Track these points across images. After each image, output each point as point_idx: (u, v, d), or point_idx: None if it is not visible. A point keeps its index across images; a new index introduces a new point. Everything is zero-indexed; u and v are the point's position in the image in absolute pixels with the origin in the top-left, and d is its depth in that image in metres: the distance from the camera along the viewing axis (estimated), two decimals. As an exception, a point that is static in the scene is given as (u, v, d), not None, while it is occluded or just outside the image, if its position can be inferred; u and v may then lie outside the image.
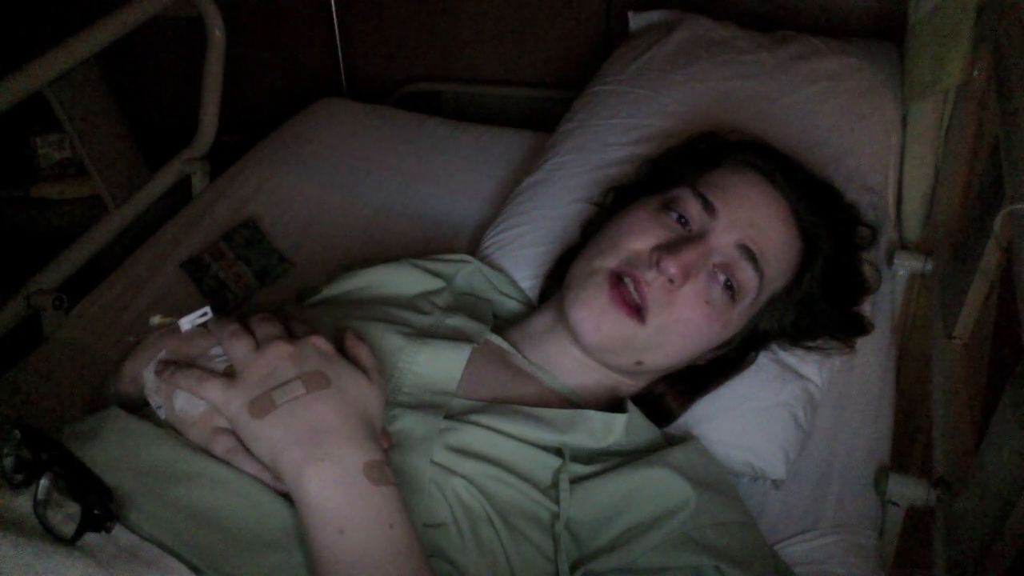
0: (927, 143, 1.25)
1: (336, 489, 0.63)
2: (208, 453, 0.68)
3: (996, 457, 0.77)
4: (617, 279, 0.84)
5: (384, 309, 0.92)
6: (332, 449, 0.64)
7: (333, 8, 1.96)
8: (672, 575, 0.74)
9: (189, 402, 0.69)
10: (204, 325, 0.73)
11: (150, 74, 2.09)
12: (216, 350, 0.72)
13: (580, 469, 0.80)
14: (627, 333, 0.84)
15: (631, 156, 1.18)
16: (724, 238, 0.86)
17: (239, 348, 0.69)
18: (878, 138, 1.24)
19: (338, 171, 1.47)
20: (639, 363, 0.87)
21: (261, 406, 0.65)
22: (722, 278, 0.85)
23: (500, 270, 1.12)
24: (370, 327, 0.85)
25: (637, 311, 0.83)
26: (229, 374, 0.69)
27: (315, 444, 0.64)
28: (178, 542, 0.63)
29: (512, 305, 1.08)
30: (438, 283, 1.00)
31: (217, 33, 1.51)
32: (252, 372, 0.68)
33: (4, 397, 1.09)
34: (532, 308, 1.08)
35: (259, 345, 0.70)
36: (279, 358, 0.68)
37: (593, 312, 0.84)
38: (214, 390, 0.67)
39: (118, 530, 0.62)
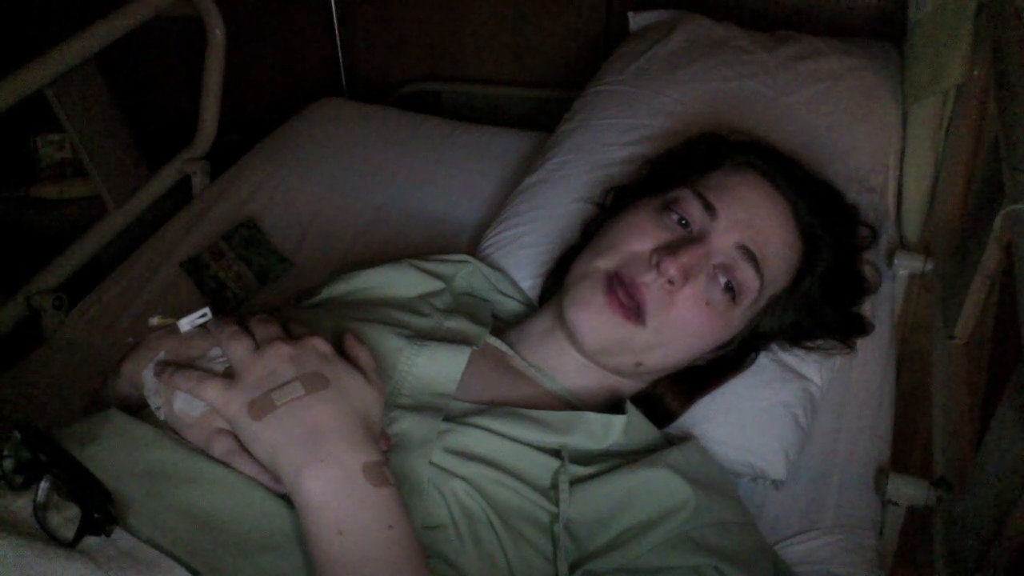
0: (927, 143, 1.24)
1: (335, 490, 0.63)
2: (207, 454, 0.68)
3: (996, 457, 0.77)
4: (616, 280, 0.84)
5: (383, 311, 0.92)
6: (331, 450, 0.64)
7: (333, 8, 1.96)
8: (671, 575, 0.74)
9: (188, 403, 0.69)
10: (203, 326, 0.73)
11: (150, 74, 2.09)
12: (215, 351, 0.72)
13: (579, 470, 0.79)
14: (625, 335, 0.84)
15: (631, 156, 1.18)
16: (724, 239, 0.86)
17: (238, 349, 0.69)
18: (878, 138, 1.24)
19: (338, 171, 1.46)
20: (638, 364, 0.87)
21: (260, 407, 0.65)
22: (722, 279, 0.85)
23: (500, 270, 1.12)
24: (369, 329, 0.85)
25: (635, 313, 0.83)
26: (228, 375, 0.69)
27: (314, 445, 0.64)
28: (177, 545, 0.63)
29: (512, 305, 1.08)
30: (437, 284, 1.00)
31: (217, 33, 1.52)
32: (251, 373, 0.68)
33: (4, 397, 1.09)
34: (532, 308, 1.08)
35: (258, 346, 0.70)
36: (278, 359, 0.68)
37: (591, 314, 0.84)
38: (213, 391, 0.67)
39: (117, 532, 0.61)
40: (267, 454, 0.65)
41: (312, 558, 0.64)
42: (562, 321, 0.87)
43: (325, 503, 0.63)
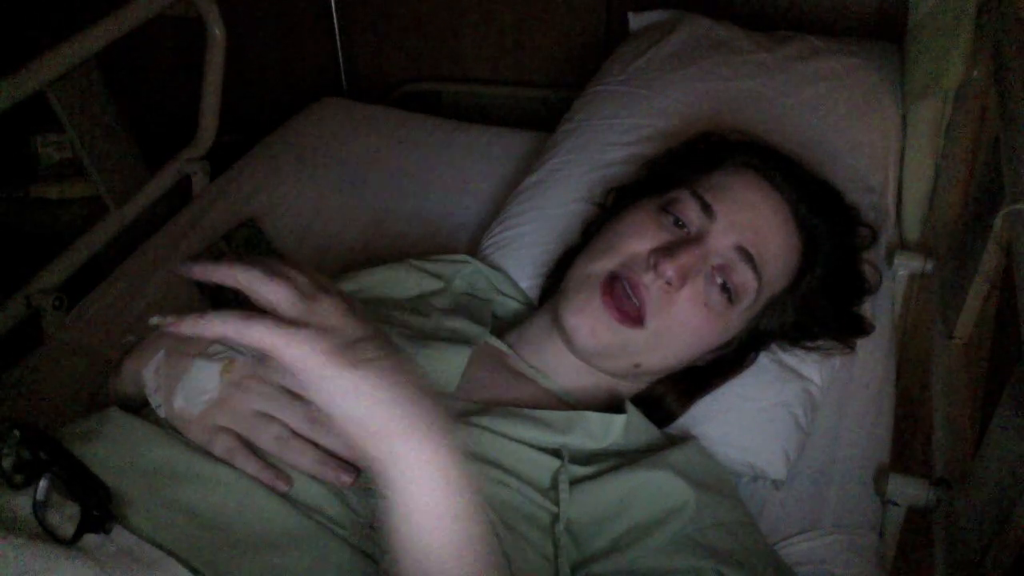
0: (927, 143, 1.24)
1: (433, 467, 0.57)
2: (208, 453, 0.68)
3: (996, 457, 0.77)
4: (613, 282, 0.84)
5: (383, 311, 0.92)
6: (431, 423, 0.56)
7: (333, 8, 1.96)
8: (672, 577, 0.74)
9: (189, 401, 0.69)
10: (210, 309, 0.71)
11: (150, 74, 2.09)
12: (215, 347, 0.72)
13: (579, 470, 0.79)
14: (622, 339, 0.84)
15: (631, 156, 1.18)
16: (722, 240, 0.86)
17: (282, 292, 0.56)
18: (878, 138, 1.24)
19: (338, 171, 1.46)
20: (637, 366, 0.87)
21: (353, 355, 0.54)
22: (719, 280, 0.85)
23: (500, 270, 1.12)
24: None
25: (631, 316, 0.83)
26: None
27: (415, 415, 0.56)
28: (177, 543, 0.63)
29: (512, 305, 1.08)
30: (437, 284, 1.00)
31: (217, 33, 1.52)
32: (317, 320, 0.55)
33: (4, 397, 1.09)
34: (532, 308, 1.08)
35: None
36: (337, 313, 0.56)
37: (587, 318, 0.84)
38: (282, 333, 0.54)
39: (117, 531, 0.61)
40: (362, 411, 0.54)
41: (395, 540, 0.57)
42: (559, 325, 0.87)
43: (415, 482, 0.56)
